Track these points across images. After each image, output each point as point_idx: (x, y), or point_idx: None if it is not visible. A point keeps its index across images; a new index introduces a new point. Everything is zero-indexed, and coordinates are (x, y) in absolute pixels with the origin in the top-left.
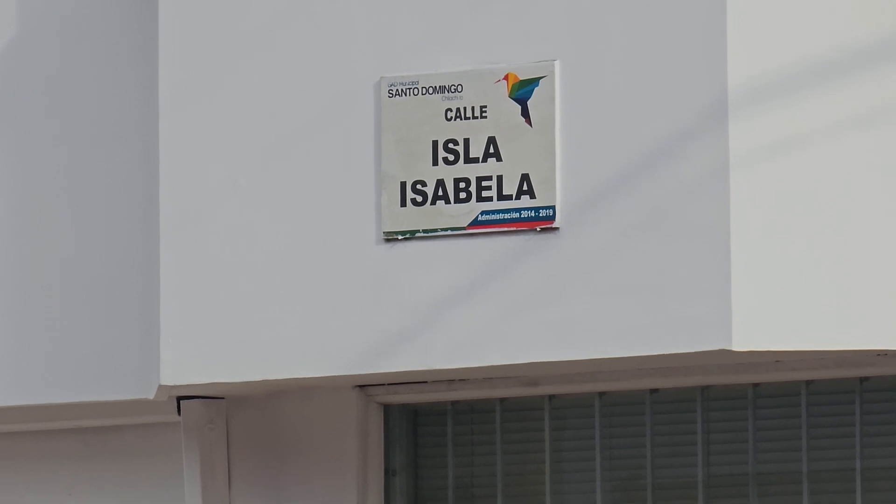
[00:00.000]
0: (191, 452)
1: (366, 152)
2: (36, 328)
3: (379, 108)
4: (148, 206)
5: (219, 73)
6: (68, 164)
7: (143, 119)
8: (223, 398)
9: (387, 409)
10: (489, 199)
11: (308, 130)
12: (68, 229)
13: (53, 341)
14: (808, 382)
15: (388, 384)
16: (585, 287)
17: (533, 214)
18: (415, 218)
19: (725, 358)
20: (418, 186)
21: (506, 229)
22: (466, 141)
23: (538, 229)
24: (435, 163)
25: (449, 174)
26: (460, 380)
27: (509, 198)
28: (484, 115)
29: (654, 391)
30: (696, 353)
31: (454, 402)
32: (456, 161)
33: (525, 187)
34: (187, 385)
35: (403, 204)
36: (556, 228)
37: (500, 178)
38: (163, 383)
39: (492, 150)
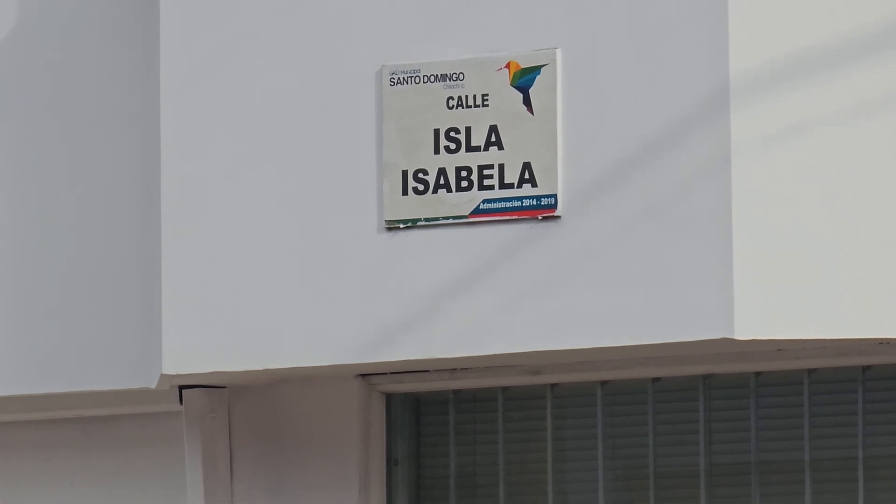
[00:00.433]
0: (192, 442)
1: (367, 141)
2: (37, 318)
3: (380, 96)
4: (149, 196)
5: (219, 63)
6: (69, 156)
7: (144, 109)
8: (225, 387)
9: (389, 398)
10: (491, 187)
11: (310, 119)
12: (69, 220)
13: (55, 331)
14: (811, 371)
15: (390, 373)
16: (587, 276)
17: (535, 203)
18: (416, 206)
19: (727, 347)
20: (420, 175)
21: (507, 218)
22: (468, 129)
23: (540, 218)
24: (437, 151)
25: (450, 162)
26: (462, 369)
27: (511, 186)
28: (485, 103)
29: (656, 380)
30: (698, 341)
31: (456, 392)
32: (457, 149)
33: (527, 175)
34: (189, 374)
35: (405, 192)
36: (558, 217)
37: (501, 167)
38: (164, 373)
39: (493, 139)
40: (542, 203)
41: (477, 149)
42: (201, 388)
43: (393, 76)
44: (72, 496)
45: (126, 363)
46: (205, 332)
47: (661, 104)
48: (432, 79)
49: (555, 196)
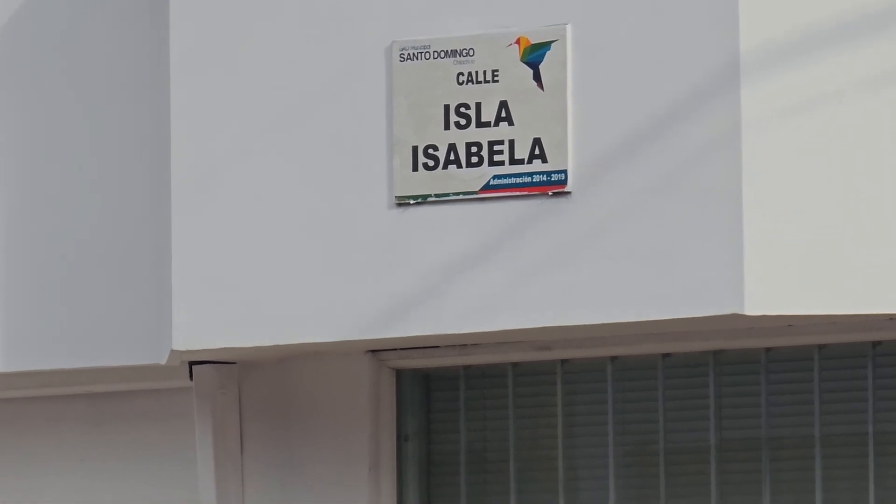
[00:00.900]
0: (203, 417)
1: (377, 117)
2: (48, 295)
3: (390, 72)
4: (159, 172)
5: (230, 38)
6: (80, 131)
7: (155, 84)
8: (235, 363)
9: (399, 373)
10: (501, 163)
11: (320, 95)
12: (79, 197)
13: (65, 307)
14: (821, 346)
15: (401, 349)
16: (597, 251)
17: (545, 178)
18: (427, 182)
19: (738, 322)
20: (430, 151)
21: (518, 193)
22: (478, 105)
23: (550, 193)
24: (447, 127)
25: (461, 138)
26: (472, 344)
27: (521, 162)
28: (496, 79)
29: (666, 356)
30: (708, 317)
31: (466, 367)
32: (468, 125)
33: (537, 151)
34: (199, 350)
35: (415, 168)
36: (568, 192)
37: (511, 143)
38: (175, 348)
39: (503, 115)
40: (553, 179)
41: (487, 124)
42: (211, 364)
43: (403, 52)
44: (82, 472)
45: (136, 339)
46: (215, 308)
47: (671, 79)
48: (442, 54)
49: (565, 172)
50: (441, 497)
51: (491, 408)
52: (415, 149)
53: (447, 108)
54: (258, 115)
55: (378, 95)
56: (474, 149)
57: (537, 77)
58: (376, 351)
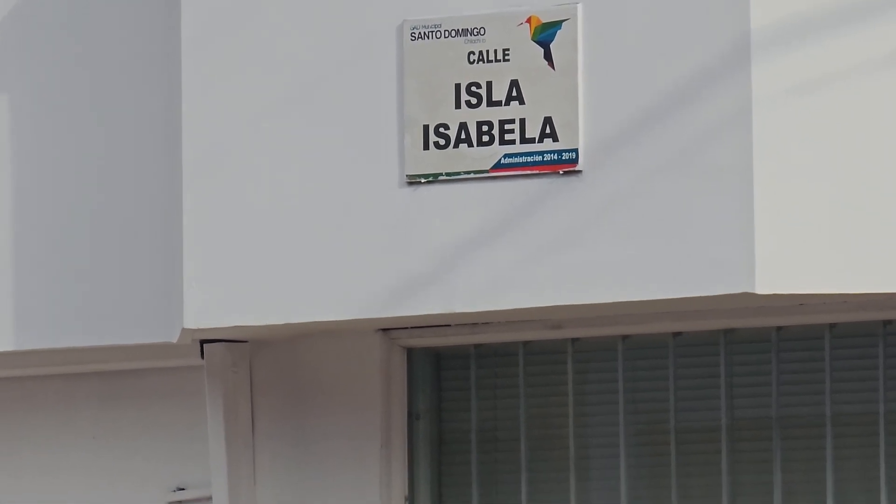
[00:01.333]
0: (214, 396)
1: (389, 96)
2: (59, 273)
3: (402, 51)
4: (171, 151)
5: (241, 17)
6: (92, 111)
7: (166, 62)
8: (246, 342)
9: (410, 352)
10: (512, 142)
11: (331, 74)
12: (91, 174)
13: (77, 286)
14: (832, 326)
15: (412, 328)
16: (608, 230)
17: (556, 157)
18: (438, 161)
19: (749, 301)
20: (441, 130)
21: (529, 172)
22: (489, 84)
23: (561, 172)
24: (458, 106)
25: (472, 117)
26: (483, 323)
27: (532, 141)
28: (507, 58)
29: (677, 334)
30: (719, 296)
31: (477, 346)
32: (479, 104)
33: (548, 130)
34: (210, 328)
35: (426, 147)
36: (579, 171)
37: (522, 122)
38: (186, 327)
39: (514, 94)
40: (564, 157)
41: (498, 103)
42: (223, 343)
43: (414, 31)
44: (94, 450)
45: (148, 318)
46: (226, 286)
47: (682, 57)
48: (453, 33)
49: (576, 150)
50: (452, 475)
51: (502, 386)
52: (426, 128)
53: (458, 87)
54: (269, 95)
55: (389, 74)
56: (485, 128)
57: (548, 56)
58: (387, 329)
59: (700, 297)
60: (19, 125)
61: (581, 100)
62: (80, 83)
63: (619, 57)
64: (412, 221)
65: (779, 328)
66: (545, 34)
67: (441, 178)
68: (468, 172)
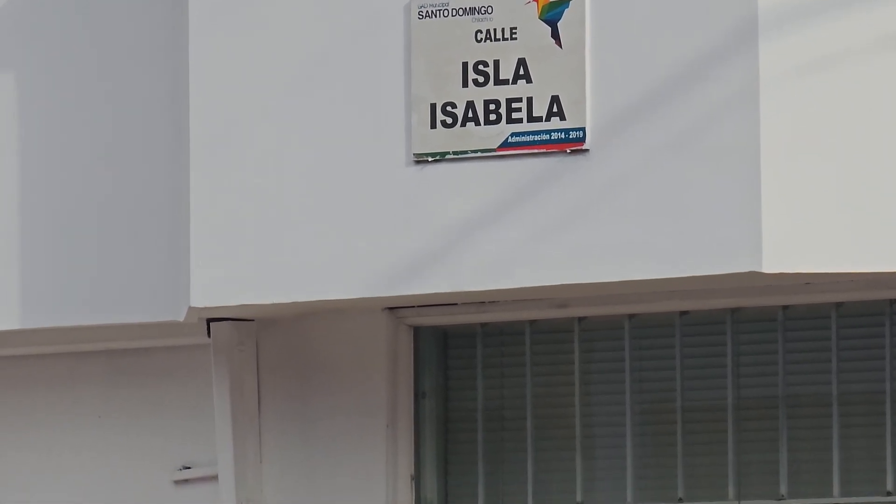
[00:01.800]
0: (220, 374)
1: (396, 74)
2: (65, 252)
3: (409, 29)
4: (178, 130)
5: None
6: (101, 90)
7: (174, 42)
8: (253, 320)
9: (416, 331)
10: (519, 120)
11: (338, 53)
12: (98, 153)
13: (83, 265)
14: (838, 304)
15: (418, 306)
16: (615, 209)
17: (563, 136)
18: (445, 140)
19: (755, 280)
20: (448, 108)
21: (536, 151)
22: (496, 63)
23: (568, 151)
24: (465, 84)
25: (479, 96)
26: (490, 302)
27: (539, 119)
28: (514, 36)
29: (683, 313)
30: (725, 275)
31: (484, 325)
32: (486, 83)
33: (555, 109)
34: (217, 307)
35: (433, 126)
36: (586, 150)
37: (529, 100)
38: (193, 305)
39: (522, 72)
40: (571, 136)
41: (505, 82)
42: (229, 321)
43: (421, 9)
44: (100, 428)
45: (155, 296)
46: (233, 264)
47: (689, 36)
48: (461, 12)
49: (583, 129)
50: (458, 454)
51: (508, 365)
52: (433, 106)
53: (465, 65)
54: (276, 73)
55: (396, 53)
56: (492, 106)
57: (555, 35)
58: (394, 308)
59: (707, 276)
60: (28, 106)
61: (588, 79)
62: (88, 63)
63: (627, 36)
64: (419, 200)
65: (785, 307)
66: (552, 13)
67: (448, 156)
68: (475, 151)
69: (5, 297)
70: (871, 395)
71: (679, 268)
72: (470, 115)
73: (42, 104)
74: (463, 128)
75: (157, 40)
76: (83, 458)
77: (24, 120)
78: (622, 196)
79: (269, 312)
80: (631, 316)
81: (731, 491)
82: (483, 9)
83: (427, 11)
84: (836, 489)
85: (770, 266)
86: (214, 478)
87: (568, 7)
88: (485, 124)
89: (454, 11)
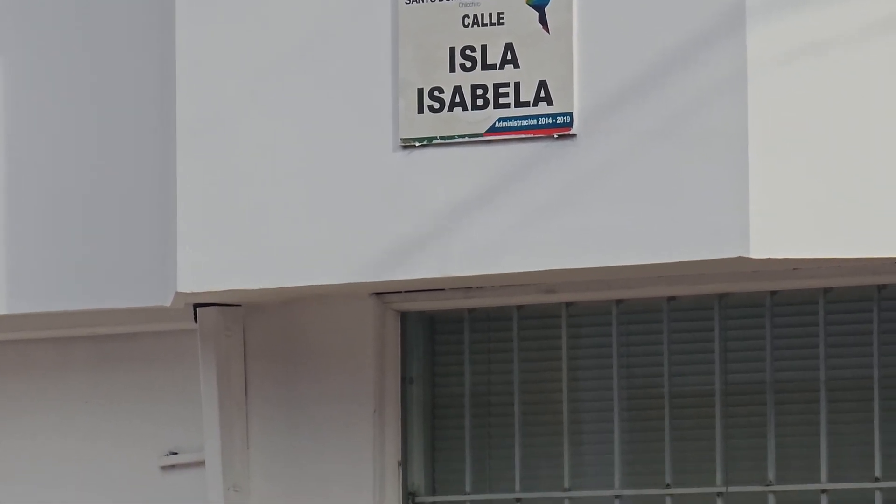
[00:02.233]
0: (207, 360)
1: (383, 59)
2: (53, 238)
3: (396, 14)
4: (165, 114)
5: None
6: (87, 75)
7: (161, 25)
8: (240, 305)
9: (404, 316)
10: (506, 105)
11: (325, 37)
12: (86, 137)
13: (70, 250)
14: (826, 290)
15: (405, 291)
16: (603, 194)
17: (550, 121)
18: (432, 125)
19: (743, 265)
20: (436, 93)
21: (523, 136)
22: (484, 48)
23: (555, 136)
24: (452, 69)
25: (466, 81)
26: (477, 287)
27: (527, 104)
28: (501, 21)
29: (671, 299)
30: (713, 260)
31: (471, 310)
32: (473, 68)
33: (542, 94)
34: (204, 292)
35: (421, 111)
36: (574, 135)
37: (517, 85)
38: (180, 290)
39: (509, 57)
40: (558, 121)
41: (493, 67)
42: (216, 307)
43: None
44: (87, 414)
45: (141, 281)
46: (220, 250)
47: (676, 21)
48: None
49: (570, 114)
50: (445, 440)
51: (496, 351)
52: (420, 91)
53: (453, 50)
54: (263, 57)
55: (384, 38)
56: (480, 91)
57: (543, 20)
58: (381, 293)
59: (694, 262)
60: (15, 90)
61: (576, 64)
62: (75, 49)
63: (614, 21)
64: (406, 185)
65: (773, 293)
66: None
67: (435, 141)
68: (462, 136)
69: None
70: (859, 381)
71: (667, 253)
72: (457, 100)
73: (29, 90)
74: (450, 113)
75: (144, 25)
76: (70, 443)
77: (11, 106)
78: (609, 182)
79: (256, 298)
80: (618, 301)
81: (718, 477)
82: None
83: None
84: (823, 475)
85: (758, 252)
86: (201, 463)
87: None
88: (472, 109)
89: None
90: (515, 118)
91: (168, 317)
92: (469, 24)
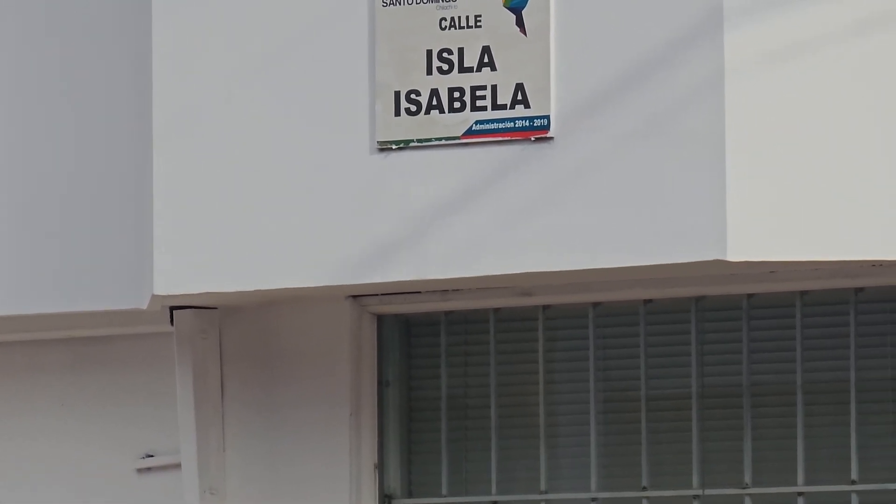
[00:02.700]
0: (183, 362)
1: (360, 61)
2: (29, 240)
3: (373, 16)
4: (141, 116)
5: None
6: (61, 74)
7: (136, 27)
8: (216, 308)
9: (380, 319)
10: (483, 108)
11: (302, 39)
12: (61, 139)
13: (47, 252)
14: (803, 293)
15: (382, 294)
16: (580, 197)
17: (527, 124)
18: (409, 127)
19: (720, 268)
20: (412, 96)
21: (500, 139)
22: (461, 50)
23: (533, 139)
24: (429, 72)
25: (443, 83)
26: (454, 290)
27: (504, 107)
28: (478, 24)
29: (648, 302)
30: (690, 263)
31: (448, 313)
32: (450, 70)
33: (519, 97)
34: (180, 295)
35: (398, 113)
36: (551, 138)
37: (494, 88)
38: (156, 293)
39: (486, 60)
40: (535, 124)
41: (470, 70)
42: (192, 309)
43: None
44: (62, 416)
45: (117, 284)
46: (196, 252)
47: (654, 23)
48: (425, 0)
49: (547, 117)
50: (422, 442)
51: (472, 353)
52: (397, 94)
53: (430, 53)
54: (240, 60)
55: (360, 40)
56: (457, 94)
57: (520, 22)
58: (357, 296)
59: (671, 265)
60: None
61: (553, 67)
62: (49, 48)
63: (592, 23)
64: (383, 188)
65: (750, 295)
66: (517, 0)
67: (412, 144)
68: (439, 139)
69: None
70: (836, 384)
71: (644, 256)
72: (434, 102)
73: (2, 89)
74: (427, 115)
75: (120, 24)
76: (45, 446)
77: None
78: (586, 184)
79: (232, 300)
80: (595, 304)
81: (695, 479)
82: None
83: None
84: (800, 478)
85: (735, 254)
86: (177, 466)
87: None
88: (449, 112)
89: None
90: (492, 121)
91: (144, 319)
92: (446, 26)
